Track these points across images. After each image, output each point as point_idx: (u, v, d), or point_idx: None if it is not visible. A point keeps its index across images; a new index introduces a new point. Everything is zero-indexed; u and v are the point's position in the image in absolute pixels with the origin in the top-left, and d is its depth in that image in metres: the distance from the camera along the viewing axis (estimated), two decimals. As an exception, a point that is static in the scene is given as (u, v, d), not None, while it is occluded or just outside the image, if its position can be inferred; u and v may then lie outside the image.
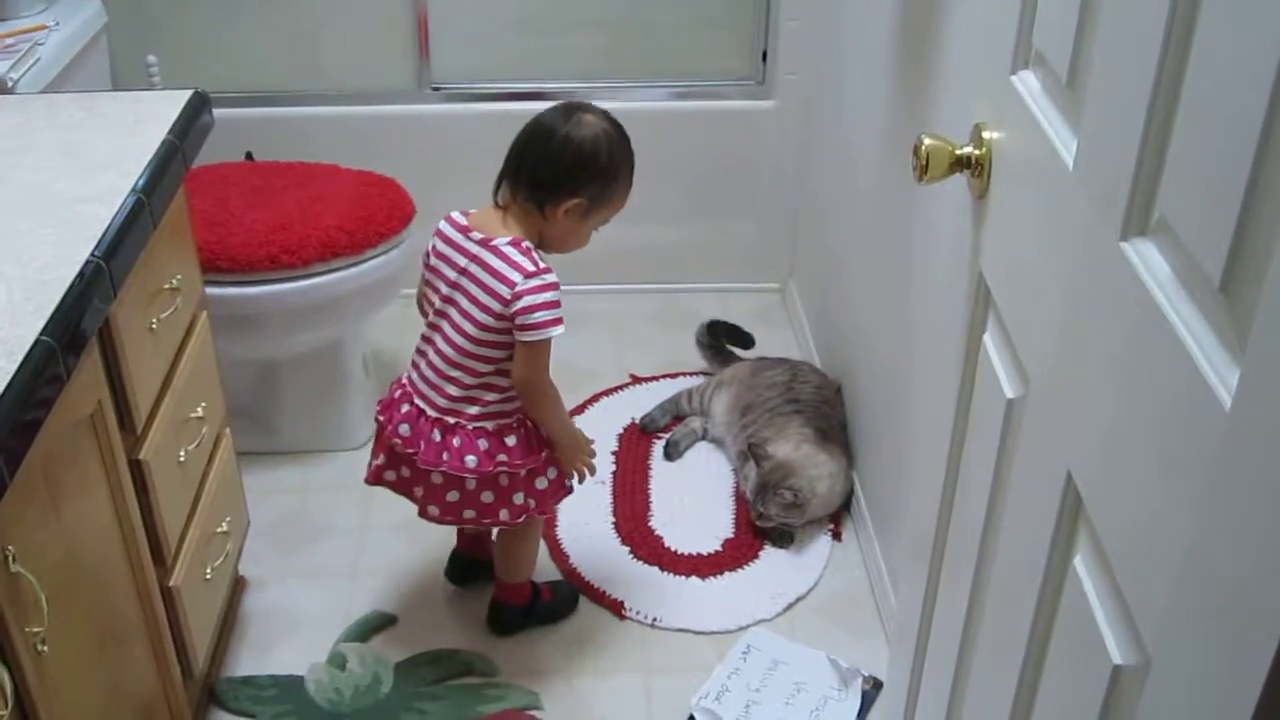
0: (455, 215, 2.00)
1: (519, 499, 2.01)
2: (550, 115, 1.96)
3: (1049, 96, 1.19)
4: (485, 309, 1.90)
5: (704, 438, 2.77)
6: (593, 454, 2.10)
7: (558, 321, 1.89)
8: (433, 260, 1.99)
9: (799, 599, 2.35)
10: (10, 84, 2.17)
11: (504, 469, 1.97)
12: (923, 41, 2.04)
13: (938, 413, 1.57)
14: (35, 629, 1.30)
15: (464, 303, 1.93)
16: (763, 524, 2.44)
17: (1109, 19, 1.02)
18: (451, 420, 1.97)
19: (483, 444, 1.96)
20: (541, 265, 1.91)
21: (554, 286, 1.90)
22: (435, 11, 2.98)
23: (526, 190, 1.94)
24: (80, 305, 1.40)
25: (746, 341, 3.02)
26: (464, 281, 1.93)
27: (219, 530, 2.00)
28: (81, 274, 1.43)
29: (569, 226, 1.96)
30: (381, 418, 2.06)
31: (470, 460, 1.95)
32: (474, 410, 1.96)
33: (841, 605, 2.34)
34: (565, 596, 2.31)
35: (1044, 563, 1.15)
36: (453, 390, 1.96)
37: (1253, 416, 0.76)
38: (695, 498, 2.60)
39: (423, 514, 2.05)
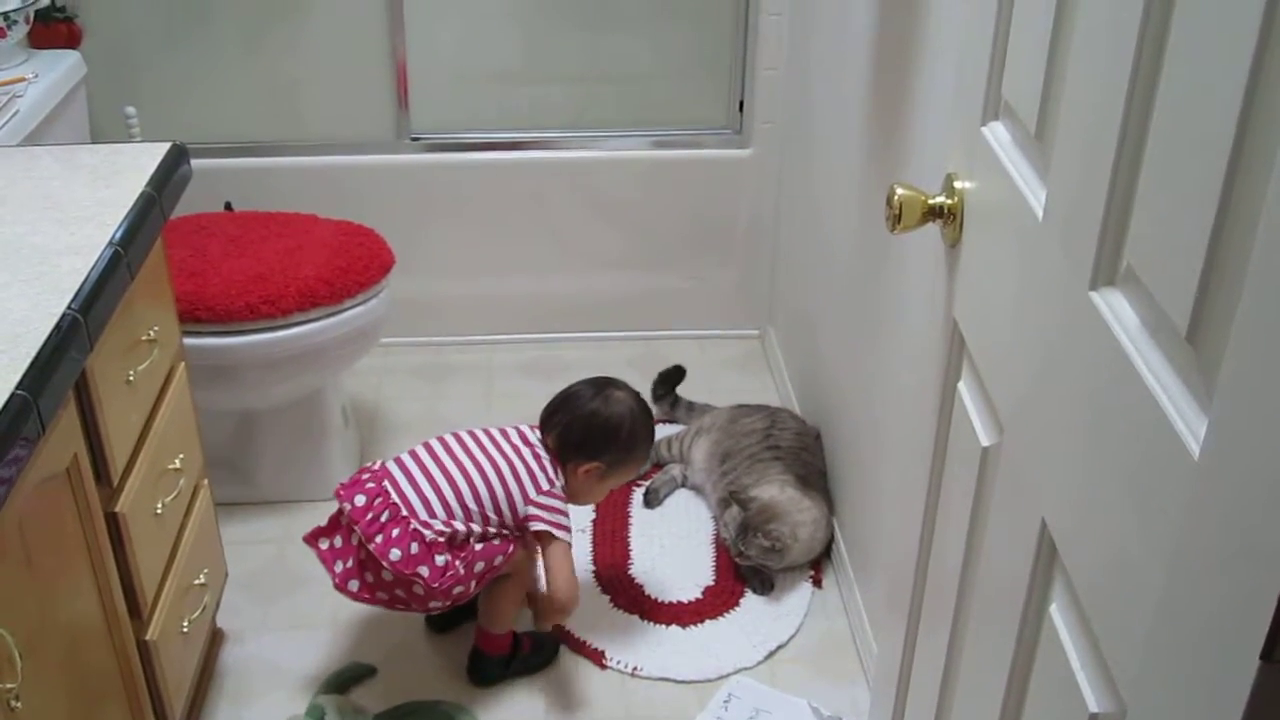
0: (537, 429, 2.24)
1: (435, 604, 2.07)
2: (583, 387, 2.22)
3: (1018, 147, 1.21)
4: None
5: (683, 485, 2.76)
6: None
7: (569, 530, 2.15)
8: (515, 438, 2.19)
9: (780, 646, 2.34)
10: (-11, 136, 2.17)
11: (419, 580, 2.00)
12: (896, 92, 2.06)
13: (915, 460, 1.57)
14: (8, 685, 1.29)
15: (483, 461, 2.11)
16: (742, 562, 2.43)
17: (1075, 72, 1.04)
18: (403, 511, 2.03)
19: (414, 547, 2.01)
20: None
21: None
22: (414, 62, 3.00)
23: (555, 441, 2.17)
24: (56, 358, 1.39)
25: (678, 375, 3.02)
26: (496, 448, 2.14)
27: (196, 582, 1.99)
28: (58, 327, 1.43)
29: (585, 486, 2.19)
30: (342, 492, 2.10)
31: (394, 554, 1.99)
32: (421, 515, 2.04)
33: (823, 652, 2.33)
34: (546, 647, 2.30)
35: (1020, 610, 1.15)
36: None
37: (1221, 465, 0.76)
38: (675, 545, 2.59)
39: (340, 587, 2.07)
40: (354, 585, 2.06)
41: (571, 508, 2.17)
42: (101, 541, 1.60)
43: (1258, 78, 0.74)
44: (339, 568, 2.06)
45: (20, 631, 1.33)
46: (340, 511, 2.07)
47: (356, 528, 2.02)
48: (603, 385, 2.22)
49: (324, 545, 2.09)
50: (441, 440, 2.17)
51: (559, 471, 2.16)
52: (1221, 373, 0.77)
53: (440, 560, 2.01)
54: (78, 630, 1.54)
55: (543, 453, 2.16)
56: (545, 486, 2.12)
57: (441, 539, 2.02)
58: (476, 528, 2.07)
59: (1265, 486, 0.71)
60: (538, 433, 2.20)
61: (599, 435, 2.16)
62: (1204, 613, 0.78)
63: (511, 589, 2.20)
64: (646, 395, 3.00)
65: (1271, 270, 0.70)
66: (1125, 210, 0.94)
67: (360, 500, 2.04)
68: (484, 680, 2.23)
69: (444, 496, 2.06)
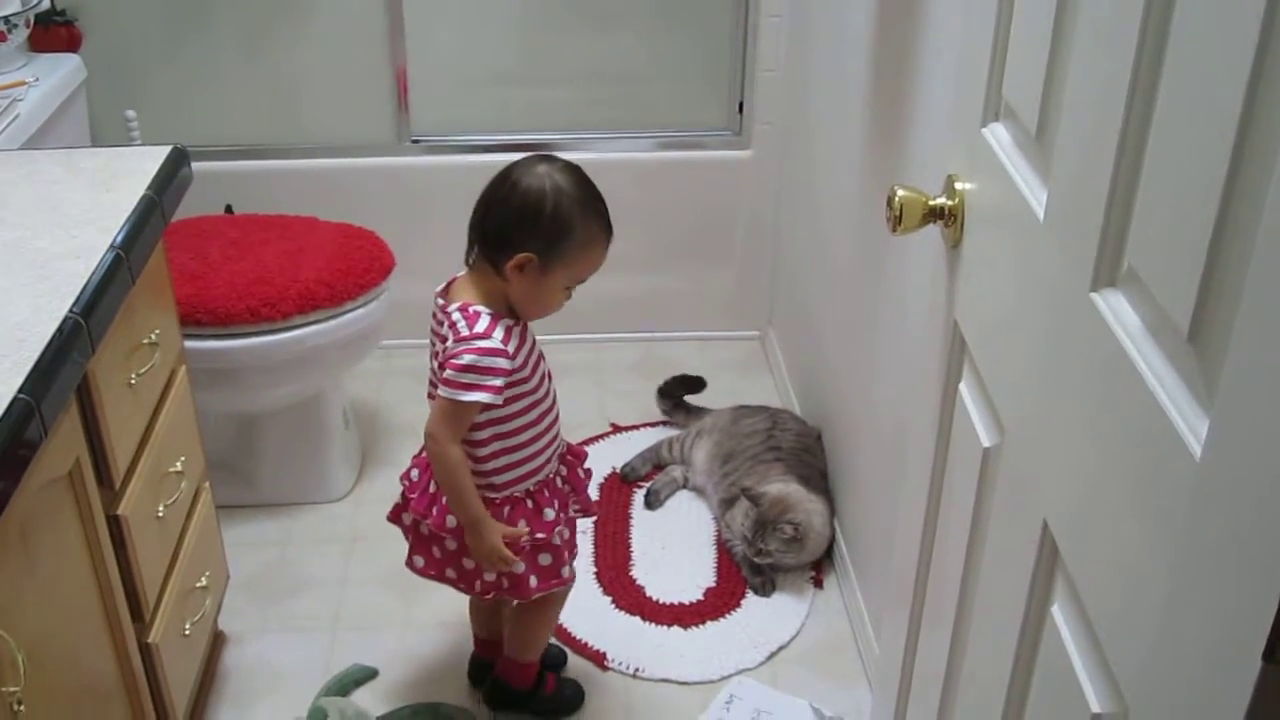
0: (444, 284, 1.93)
1: (490, 576, 1.94)
2: (510, 166, 1.84)
3: (1019, 148, 1.21)
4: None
5: (685, 486, 2.76)
6: (506, 561, 1.88)
7: (472, 388, 1.76)
8: (431, 326, 1.92)
9: (781, 647, 2.34)
10: (-11, 140, 2.18)
11: None
12: (895, 93, 2.06)
13: (916, 461, 1.57)
14: (12, 688, 1.29)
15: (438, 370, 1.88)
16: (759, 559, 2.43)
17: (1076, 73, 1.04)
18: None
19: None
20: (481, 331, 1.78)
21: (487, 353, 1.77)
22: (414, 64, 3.00)
23: (481, 246, 1.84)
24: (58, 362, 1.40)
25: (698, 385, 3.02)
26: (439, 347, 1.88)
27: (198, 585, 1.99)
28: (60, 330, 1.43)
29: (527, 286, 1.81)
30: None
31: (451, 521, 1.89)
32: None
33: (824, 653, 2.33)
34: (570, 696, 2.20)
35: (1022, 610, 1.15)
36: None
37: (1222, 466, 0.77)
38: (676, 547, 2.59)
39: (408, 563, 2.02)
40: (419, 561, 1.99)
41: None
42: (103, 544, 1.60)
43: (1259, 77, 0.74)
44: (411, 539, 2.00)
45: (23, 635, 1.33)
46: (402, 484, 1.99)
47: (410, 504, 1.93)
48: (530, 161, 1.83)
49: (407, 520, 2.00)
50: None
51: (490, 320, 1.81)
52: (1223, 373, 0.77)
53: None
54: (80, 633, 1.54)
55: (457, 315, 1.81)
56: (465, 332, 1.79)
57: (492, 494, 1.89)
58: (473, 452, 1.86)
59: (1266, 487, 0.71)
60: (457, 304, 1.84)
61: (520, 217, 1.78)
62: (1206, 613, 0.78)
63: (542, 613, 2.09)
64: (653, 397, 3.03)
65: (1272, 271, 0.70)
66: (1126, 211, 0.94)
67: (415, 475, 1.95)
68: (499, 707, 2.15)
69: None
